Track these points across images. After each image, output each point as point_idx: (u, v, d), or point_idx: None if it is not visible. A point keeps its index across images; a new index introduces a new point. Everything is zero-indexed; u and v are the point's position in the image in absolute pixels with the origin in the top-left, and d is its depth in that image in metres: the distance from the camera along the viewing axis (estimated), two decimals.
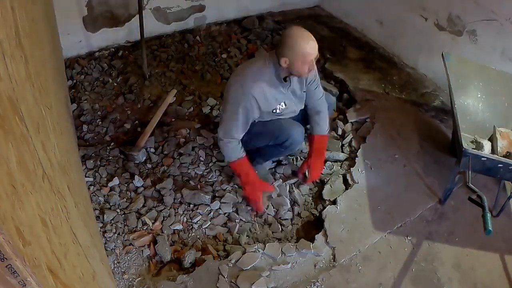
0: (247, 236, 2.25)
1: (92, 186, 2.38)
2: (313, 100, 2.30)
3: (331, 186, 2.52)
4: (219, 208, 2.37)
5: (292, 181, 2.55)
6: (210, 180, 2.52)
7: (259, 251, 2.10)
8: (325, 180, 2.56)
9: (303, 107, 2.31)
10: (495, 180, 2.61)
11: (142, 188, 2.42)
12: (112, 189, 2.39)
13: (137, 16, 2.94)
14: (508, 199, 2.33)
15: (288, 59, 1.94)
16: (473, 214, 2.41)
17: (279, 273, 2.04)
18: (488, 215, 1.90)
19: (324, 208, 2.37)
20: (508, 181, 2.41)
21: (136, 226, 2.22)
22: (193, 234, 2.25)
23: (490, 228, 1.85)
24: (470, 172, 2.10)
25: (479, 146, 2.35)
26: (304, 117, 2.38)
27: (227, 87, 2.13)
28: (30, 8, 1.34)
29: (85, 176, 2.41)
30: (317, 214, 2.39)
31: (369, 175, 2.57)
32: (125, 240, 2.15)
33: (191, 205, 2.36)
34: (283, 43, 1.94)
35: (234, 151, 2.18)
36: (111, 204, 2.30)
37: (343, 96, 3.25)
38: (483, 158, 2.10)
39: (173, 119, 2.88)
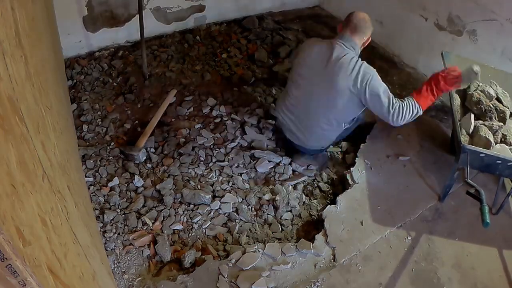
0: (247, 236, 2.25)
1: (92, 186, 2.38)
2: None
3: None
4: (219, 208, 2.37)
5: (293, 182, 2.56)
6: (210, 180, 2.52)
7: (259, 251, 2.10)
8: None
9: None
10: (495, 180, 2.61)
11: (142, 188, 2.42)
12: (112, 189, 2.39)
13: (137, 16, 2.94)
14: (507, 196, 2.33)
15: (370, 36, 2.43)
16: (473, 214, 2.41)
17: (279, 273, 2.04)
18: (486, 208, 1.93)
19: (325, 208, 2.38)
20: (507, 177, 2.41)
21: (136, 226, 2.22)
22: (193, 234, 2.25)
23: (488, 221, 1.87)
24: (468, 168, 2.10)
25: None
26: None
27: (361, 79, 2.28)
28: (30, 8, 1.34)
29: (85, 176, 2.41)
30: (317, 216, 2.39)
31: (369, 175, 2.57)
32: (125, 240, 2.15)
33: (191, 205, 2.36)
34: (365, 26, 2.42)
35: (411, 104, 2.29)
36: (111, 204, 2.30)
37: None
38: (481, 154, 2.10)
39: (173, 119, 2.88)
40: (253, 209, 2.42)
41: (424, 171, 2.63)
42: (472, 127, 2.33)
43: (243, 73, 3.35)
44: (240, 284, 1.95)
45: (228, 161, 2.64)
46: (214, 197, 2.42)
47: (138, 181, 2.43)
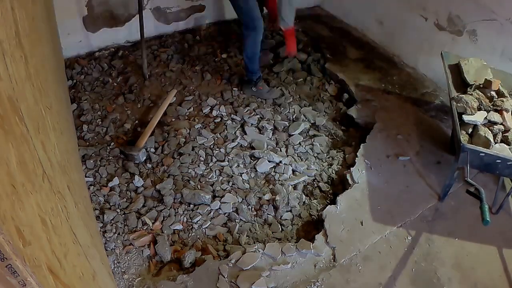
0: (247, 236, 2.25)
1: (92, 186, 2.38)
2: None
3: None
4: (219, 208, 2.37)
5: (293, 182, 2.56)
6: (210, 180, 2.52)
7: (259, 251, 2.10)
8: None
9: None
10: (495, 179, 2.61)
11: (142, 188, 2.42)
12: (112, 189, 2.39)
13: (137, 16, 2.94)
14: (507, 195, 2.33)
15: None
16: (473, 214, 2.41)
17: (279, 273, 2.04)
18: (486, 206, 1.96)
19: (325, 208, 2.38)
20: (507, 177, 2.40)
21: (136, 226, 2.22)
22: (193, 234, 2.25)
23: (487, 219, 1.91)
24: (468, 167, 2.12)
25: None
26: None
27: None
28: (30, 8, 1.34)
29: (85, 176, 2.41)
30: (317, 216, 2.39)
31: (369, 175, 2.57)
32: (125, 240, 2.15)
33: (191, 205, 2.36)
34: None
35: None
36: (111, 204, 2.30)
37: (343, 96, 3.26)
38: (481, 154, 2.12)
39: (173, 119, 2.88)
40: (253, 209, 2.42)
41: (424, 171, 2.63)
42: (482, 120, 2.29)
43: (243, 73, 3.35)
44: (240, 284, 1.95)
45: (228, 161, 2.64)
46: (214, 197, 2.42)
47: (138, 181, 2.43)
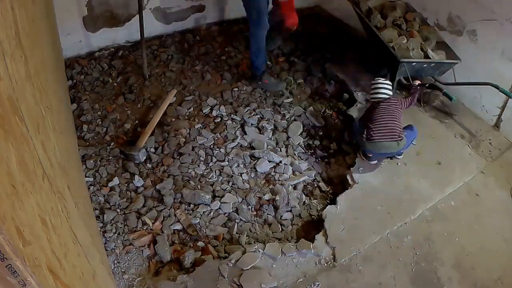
0: (247, 236, 2.25)
1: (92, 186, 2.38)
2: None
3: None
4: (219, 208, 2.37)
5: (293, 182, 2.56)
6: (210, 180, 2.52)
7: (259, 251, 2.10)
8: None
9: None
10: None
11: (142, 188, 2.42)
12: (112, 189, 2.39)
13: (137, 16, 2.94)
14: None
15: None
16: (473, 214, 2.41)
17: (279, 273, 2.04)
18: (447, 91, 2.84)
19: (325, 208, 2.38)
20: (430, 76, 3.07)
21: (136, 226, 2.22)
22: (193, 234, 2.25)
23: (454, 97, 2.81)
24: (409, 75, 2.91)
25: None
26: None
27: None
28: (30, 8, 1.34)
29: (85, 176, 2.41)
30: (317, 216, 2.39)
31: (369, 175, 2.57)
32: (125, 240, 2.15)
33: (191, 205, 2.36)
34: None
35: None
36: (111, 204, 2.30)
37: (343, 96, 3.25)
38: (413, 63, 2.86)
39: (173, 119, 2.88)
40: (253, 209, 2.42)
41: (424, 171, 2.63)
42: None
43: (244, 73, 3.35)
44: (241, 284, 1.95)
45: (228, 161, 2.64)
46: (214, 197, 2.42)
47: (138, 181, 2.43)
